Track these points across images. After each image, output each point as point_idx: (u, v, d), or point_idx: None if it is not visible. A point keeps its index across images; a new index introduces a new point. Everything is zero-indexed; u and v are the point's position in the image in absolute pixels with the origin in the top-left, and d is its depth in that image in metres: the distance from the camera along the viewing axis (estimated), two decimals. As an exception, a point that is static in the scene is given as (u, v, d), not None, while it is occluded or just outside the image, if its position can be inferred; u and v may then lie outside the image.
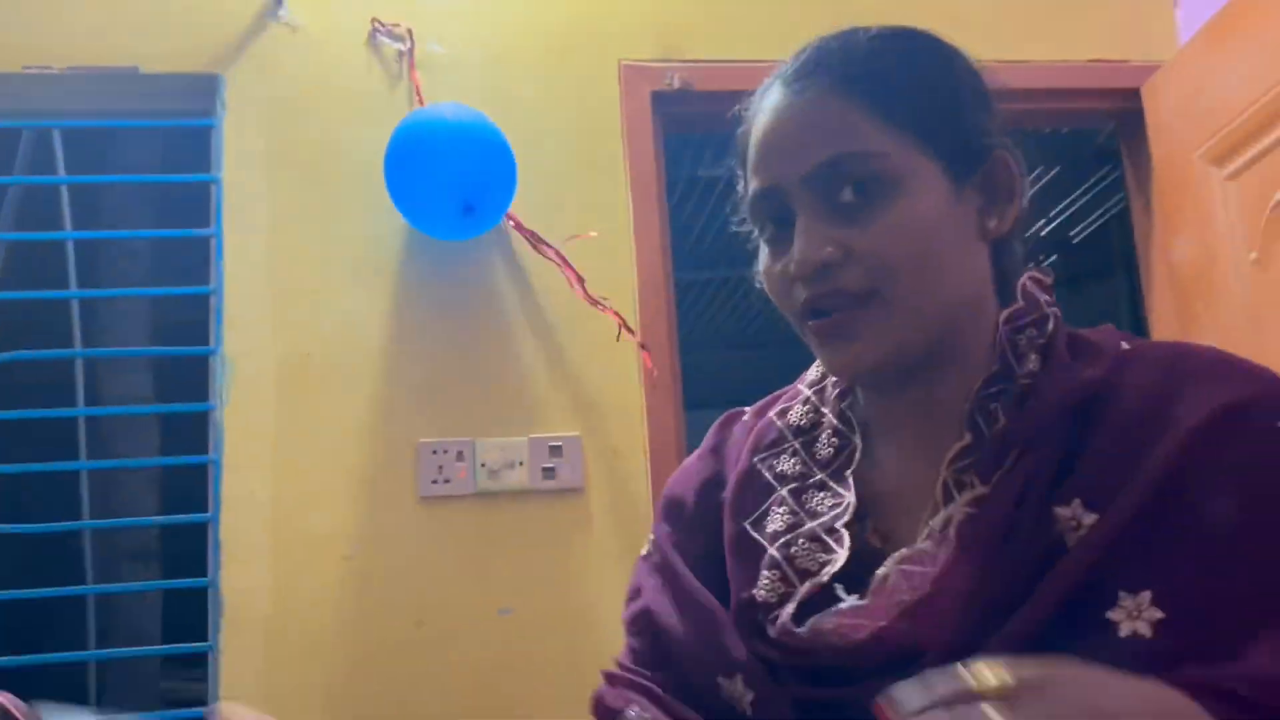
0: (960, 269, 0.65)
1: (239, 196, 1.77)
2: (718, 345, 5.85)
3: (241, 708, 1.28)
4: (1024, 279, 0.68)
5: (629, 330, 1.76)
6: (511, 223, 1.78)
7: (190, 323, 1.87)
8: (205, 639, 1.65)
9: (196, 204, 1.88)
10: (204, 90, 1.82)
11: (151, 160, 2.62)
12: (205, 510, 1.69)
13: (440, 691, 1.66)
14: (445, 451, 1.73)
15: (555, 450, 1.75)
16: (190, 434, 1.83)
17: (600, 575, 1.73)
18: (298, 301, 1.75)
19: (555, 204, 1.83)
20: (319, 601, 1.66)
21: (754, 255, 0.72)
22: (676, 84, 1.84)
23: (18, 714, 1.23)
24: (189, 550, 1.83)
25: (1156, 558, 0.57)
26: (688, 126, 1.91)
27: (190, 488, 1.85)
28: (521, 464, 1.74)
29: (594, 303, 1.75)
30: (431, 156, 1.65)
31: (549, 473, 1.74)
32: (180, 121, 1.84)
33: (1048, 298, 0.68)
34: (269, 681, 1.63)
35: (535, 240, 1.77)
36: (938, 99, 0.66)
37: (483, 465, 1.73)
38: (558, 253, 1.77)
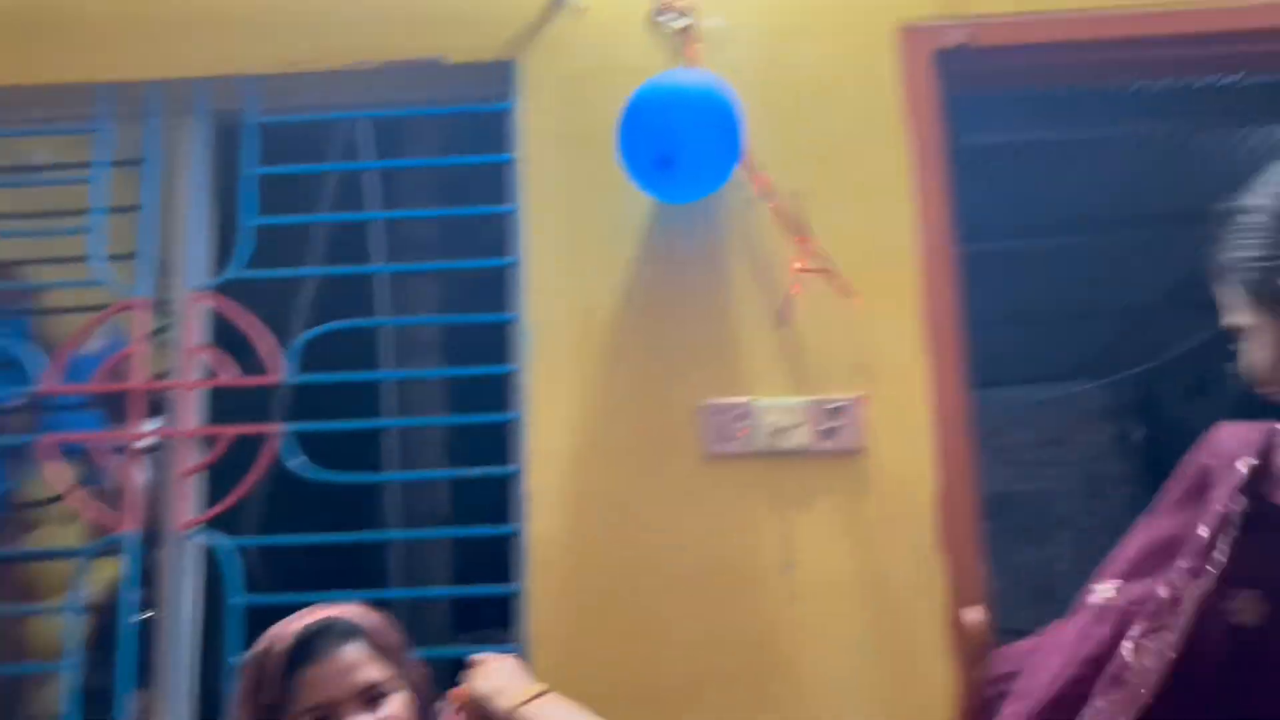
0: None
1: (535, 174, 1.90)
2: (1001, 321, 5.53)
3: (498, 656, 1.38)
4: None
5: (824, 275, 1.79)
6: (755, 182, 1.81)
7: (473, 307, 2.02)
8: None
9: (479, 190, 2.03)
10: (500, 76, 1.95)
11: (438, 150, 2.81)
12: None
13: (726, 645, 1.72)
14: (728, 412, 1.78)
15: (835, 412, 1.77)
16: (478, 404, 1.96)
17: (881, 537, 1.74)
18: (590, 271, 1.85)
19: (834, 172, 1.85)
20: (613, 553, 1.76)
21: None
22: (959, 41, 1.81)
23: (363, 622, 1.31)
24: (476, 514, 1.97)
25: None
26: (972, 86, 1.87)
27: (476, 454, 1.98)
28: (802, 425, 1.77)
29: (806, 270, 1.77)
30: (635, 115, 1.74)
31: (829, 434, 1.77)
32: (481, 107, 1.98)
33: None
34: (567, 625, 1.74)
35: (768, 196, 1.80)
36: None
37: (764, 426, 1.77)
38: (787, 213, 1.79)
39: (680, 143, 1.72)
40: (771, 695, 1.70)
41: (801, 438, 1.77)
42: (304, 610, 1.31)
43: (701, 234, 1.85)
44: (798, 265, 1.80)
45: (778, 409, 1.78)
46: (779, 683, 1.70)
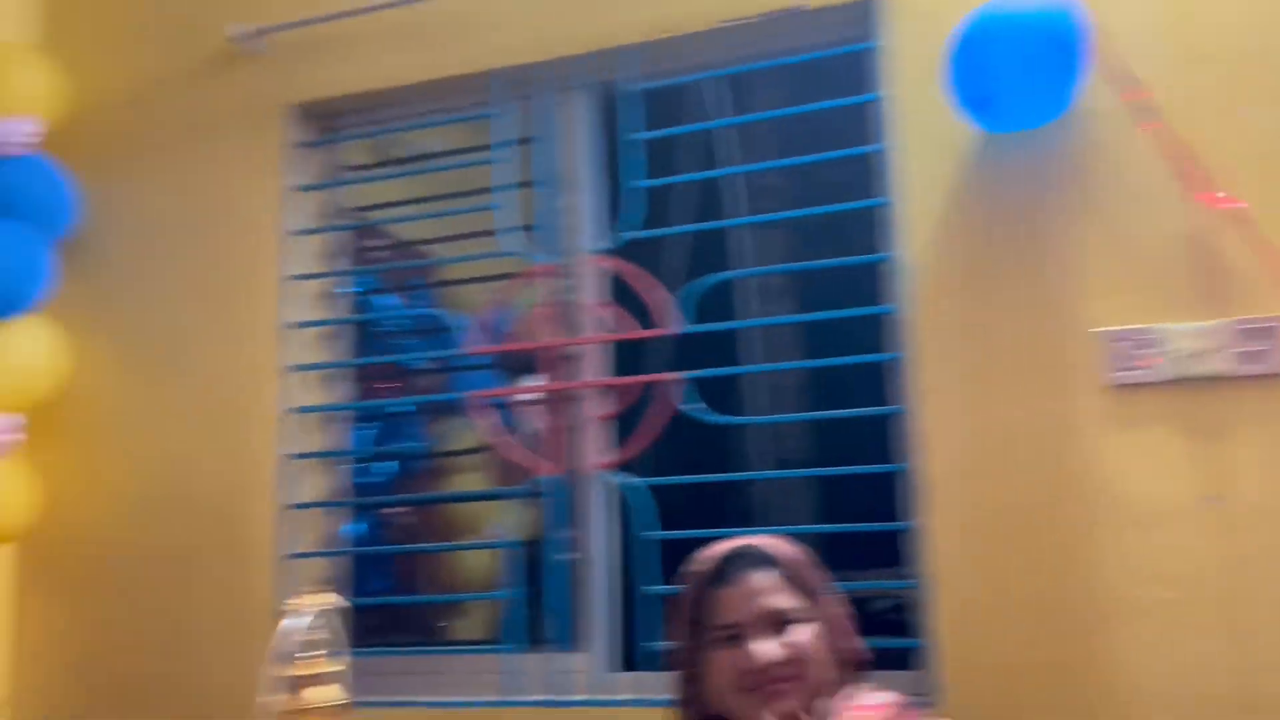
0: None
1: (904, 111, 1.88)
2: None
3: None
4: None
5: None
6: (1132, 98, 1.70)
7: (817, 253, 2.05)
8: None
9: (824, 136, 2.03)
10: (859, 17, 1.95)
11: (784, 98, 2.83)
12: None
13: (1144, 578, 1.65)
14: (1129, 339, 1.70)
15: (1260, 333, 1.64)
16: (826, 344, 1.99)
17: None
18: (966, 201, 1.82)
19: (1242, 73, 1.70)
20: (1012, 489, 1.73)
21: None
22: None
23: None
24: (833, 458, 2.00)
25: None
26: None
27: (829, 399, 2.01)
28: (1219, 349, 1.66)
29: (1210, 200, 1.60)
30: (952, 57, 1.73)
31: (1253, 357, 1.64)
32: (845, 49, 1.99)
33: None
34: (968, 562, 1.74)
35: (1149, 111, 1.70)
36: None
37: (1173, 351, 1.68)
38: (1174, 130, 1.68)
39: (993, 84, 1.70)
40: (1204, 628, 1.61)
41: (1220, 363, 1.65)
42: (733, 539, 1.40)
43: (1083, 154, 1.77)
44: (1197, 181, 1.67)
45: (1189, 333, 1.67)
46: (1214, 617, 1.61)
